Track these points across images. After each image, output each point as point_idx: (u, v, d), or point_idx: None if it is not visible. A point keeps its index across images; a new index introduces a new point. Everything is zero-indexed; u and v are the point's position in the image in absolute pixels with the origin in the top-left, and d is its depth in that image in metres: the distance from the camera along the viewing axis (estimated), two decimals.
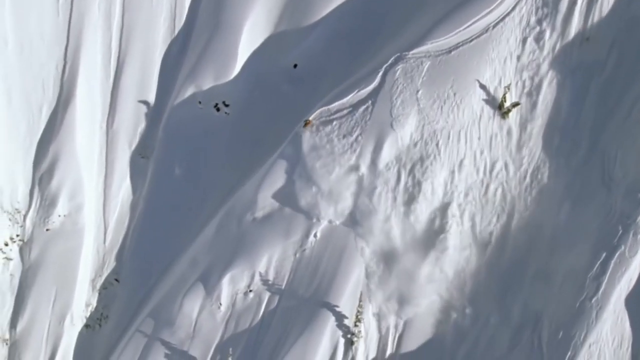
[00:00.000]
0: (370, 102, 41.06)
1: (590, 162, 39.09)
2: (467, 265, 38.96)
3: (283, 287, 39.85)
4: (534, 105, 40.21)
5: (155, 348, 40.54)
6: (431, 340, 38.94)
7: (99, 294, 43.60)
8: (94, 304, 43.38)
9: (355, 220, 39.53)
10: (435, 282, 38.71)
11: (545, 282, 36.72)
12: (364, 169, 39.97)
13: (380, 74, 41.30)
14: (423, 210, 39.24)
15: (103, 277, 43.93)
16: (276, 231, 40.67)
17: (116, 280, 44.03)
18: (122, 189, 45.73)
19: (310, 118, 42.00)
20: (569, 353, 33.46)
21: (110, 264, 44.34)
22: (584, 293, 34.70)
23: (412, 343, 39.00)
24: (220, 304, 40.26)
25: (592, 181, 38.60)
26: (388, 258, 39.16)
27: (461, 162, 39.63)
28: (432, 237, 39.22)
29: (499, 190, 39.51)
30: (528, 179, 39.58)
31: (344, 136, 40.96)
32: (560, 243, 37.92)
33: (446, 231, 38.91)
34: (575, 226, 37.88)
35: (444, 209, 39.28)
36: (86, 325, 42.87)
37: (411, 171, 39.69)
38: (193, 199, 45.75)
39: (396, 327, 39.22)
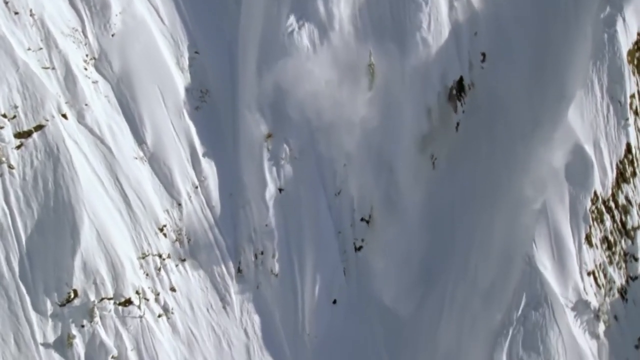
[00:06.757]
0: None
1: None
2: None
3: None
4: None
5: (290, 97, 40.08)
6: None
7: (189, 73, 40.95)
8: (190, 85, 40.88)
9: None
10: None
11: None
12: None
13: None
14: None
15: (184, 56, 40.95)
16: None
17: (196, 52, 41.27)
18: None
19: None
20: None
21: (182, 40, 41.04)
22: None
23: None
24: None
25: None
26: None
27: None
28: None
29: None
30: None
31: None
32: None
33: None
34: None
35: None
36: (196, 108, 40.90)
37: None
38: None
39: None
